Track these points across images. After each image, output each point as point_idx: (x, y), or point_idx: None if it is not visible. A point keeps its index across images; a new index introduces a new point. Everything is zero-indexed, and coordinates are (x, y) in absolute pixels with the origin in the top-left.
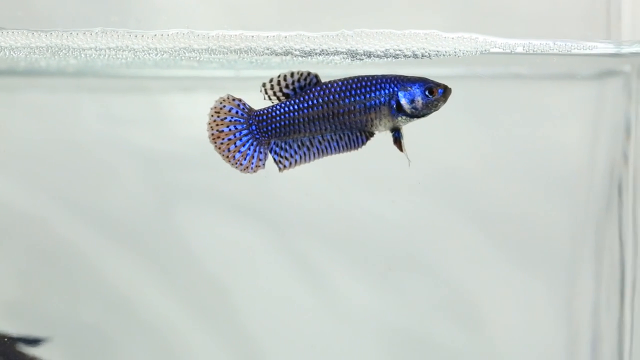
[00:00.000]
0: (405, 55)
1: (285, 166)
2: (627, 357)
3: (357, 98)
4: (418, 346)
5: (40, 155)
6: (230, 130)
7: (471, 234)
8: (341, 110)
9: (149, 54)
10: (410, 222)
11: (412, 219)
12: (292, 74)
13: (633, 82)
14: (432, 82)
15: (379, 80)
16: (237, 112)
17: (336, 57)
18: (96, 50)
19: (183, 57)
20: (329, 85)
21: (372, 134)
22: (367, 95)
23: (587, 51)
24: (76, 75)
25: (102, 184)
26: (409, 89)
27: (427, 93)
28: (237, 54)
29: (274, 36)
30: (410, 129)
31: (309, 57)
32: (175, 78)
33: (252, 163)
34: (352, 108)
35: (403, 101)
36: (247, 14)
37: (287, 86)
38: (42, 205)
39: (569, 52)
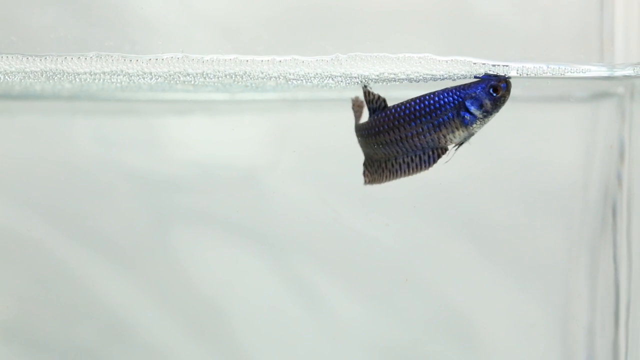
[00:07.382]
0: (399, 79)
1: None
2: None
3: (424, 119)
4: None
5: (35, 177)
6: None
7: (466, 255)
8: (409, 134)
9: (144, 78)
10: (405, 244)
11: (406, 240)
12: (368, 93)
13: (626, 104)
14: (491, 78)
15: (442, 97)
16: None
17: (331, 81)
18: (91, 75)
19: (178, 81)
20: (394, 110)
21: (445, 149)
22: (434, 114)
23: (581, 74)
24: (71, 99)
25: (97, 206)
26: (473, 95)
27: (492, 92)
28: (232, 77)
29: (268, 60)
30: None
31: (304, 81)
32: (170, 101)
33: None
34: (421, 130)
35: (473, 109)
36: (241, 38)
37: (369, 102)
38: (37, 227)
39: (562, 75)
